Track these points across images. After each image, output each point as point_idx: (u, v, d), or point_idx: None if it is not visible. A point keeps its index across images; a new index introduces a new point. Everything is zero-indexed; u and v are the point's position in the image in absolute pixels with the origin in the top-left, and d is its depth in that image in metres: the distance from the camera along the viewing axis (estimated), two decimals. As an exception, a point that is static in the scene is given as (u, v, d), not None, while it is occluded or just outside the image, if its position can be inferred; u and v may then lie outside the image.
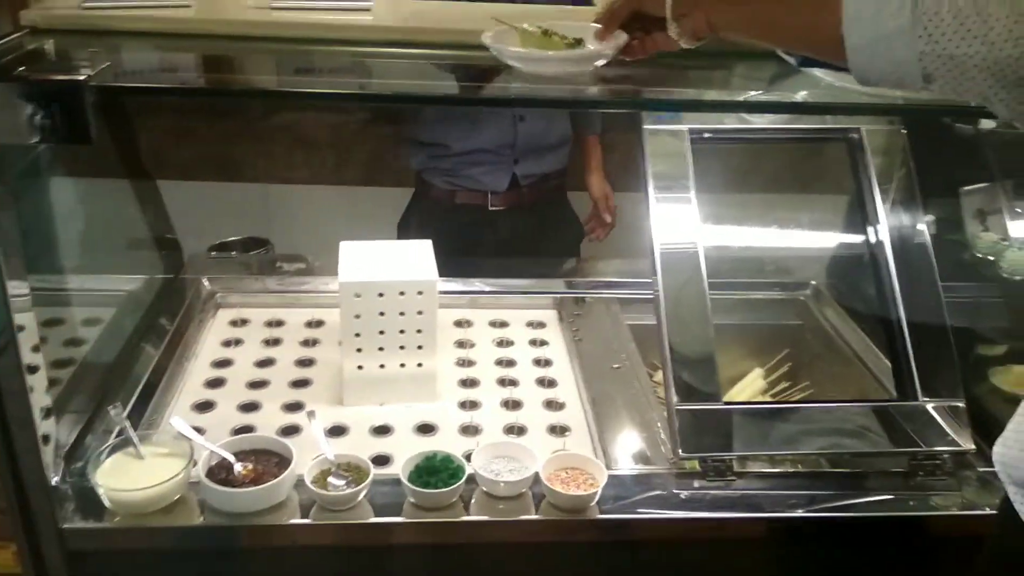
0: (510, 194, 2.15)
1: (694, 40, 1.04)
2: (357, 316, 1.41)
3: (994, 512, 1.24)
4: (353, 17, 1.38)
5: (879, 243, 1.44)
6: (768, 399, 1.66)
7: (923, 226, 1.43)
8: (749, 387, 1.71)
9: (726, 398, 1.68)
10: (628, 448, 1.35)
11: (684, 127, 1.41)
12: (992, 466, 1.33)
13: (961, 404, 1.33)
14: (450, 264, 1.48)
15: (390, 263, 1.45)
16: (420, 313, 1.42)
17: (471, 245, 2.16)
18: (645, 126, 1.40)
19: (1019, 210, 1.64)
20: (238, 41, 1.33)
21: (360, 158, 2.69)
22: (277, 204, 2.71)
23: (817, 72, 1.19)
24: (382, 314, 1.41)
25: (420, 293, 1.41)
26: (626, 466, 1.31)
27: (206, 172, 2.76)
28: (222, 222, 2.37)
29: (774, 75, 1.27)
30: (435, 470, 1.21)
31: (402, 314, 1.42)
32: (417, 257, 1.47)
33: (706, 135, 1.43)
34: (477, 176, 2.12)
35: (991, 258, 1.54)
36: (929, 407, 1.33)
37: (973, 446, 1.30)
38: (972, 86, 0.84)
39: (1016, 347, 1.47)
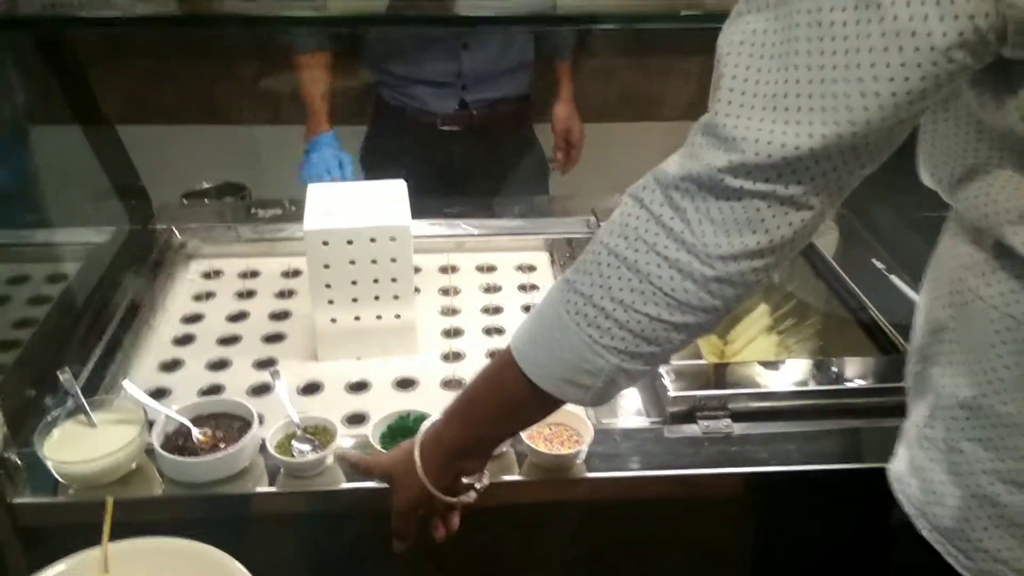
0: (461, 115, 2.00)
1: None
2: (326, 266, 1.31)
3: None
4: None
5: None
6: (773, 338, 1.56)
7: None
8: (755, 324, 1.61)
9: (730, 336, 1.61)
10: (621, 401, 1.26)
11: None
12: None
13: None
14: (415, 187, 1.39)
15: (360, 207, 1.34)
16: (394, 261, 1.32)
17: (425, 164, 2.02)
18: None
19: None
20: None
21: (352, 95, 2.56)
22: (262, 147, 2.58)
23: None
24: (353, 263, 1.31)
25: (392, 239, 1.30)
26: (617, 420, 1.22)
27: (188, 115, 2.65)
28: (204, 167, 2.26)
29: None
30: (408, 430, 1.12)
31: (374, 262, 1.32)
32: (390, 199, 1.36)
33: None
34: (424, 98, 1.99)
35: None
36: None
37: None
38: None
39: None
